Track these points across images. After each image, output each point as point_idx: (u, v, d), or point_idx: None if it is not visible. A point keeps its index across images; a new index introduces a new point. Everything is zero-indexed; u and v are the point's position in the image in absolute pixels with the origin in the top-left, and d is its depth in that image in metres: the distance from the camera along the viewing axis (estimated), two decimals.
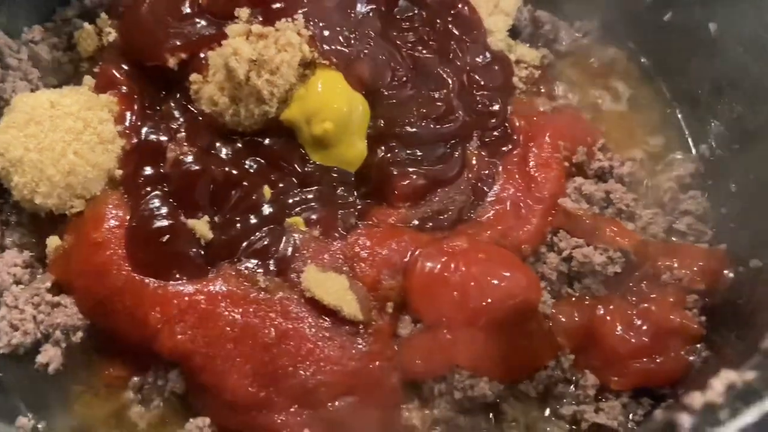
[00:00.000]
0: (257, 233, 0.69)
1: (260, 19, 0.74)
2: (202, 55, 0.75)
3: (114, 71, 0.77)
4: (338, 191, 0.73)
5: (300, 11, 0.73)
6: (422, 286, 0.66)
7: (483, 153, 0.76)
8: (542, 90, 0.84)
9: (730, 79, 0.77)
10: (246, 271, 0.66)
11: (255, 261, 0.67)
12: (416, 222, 0.72)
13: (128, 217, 0.69)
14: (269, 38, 0.72)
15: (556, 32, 0.91)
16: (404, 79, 0.76)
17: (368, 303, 0.66)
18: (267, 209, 0.70)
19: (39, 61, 0.81)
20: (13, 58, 0.78)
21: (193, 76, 0.74)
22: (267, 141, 0.74)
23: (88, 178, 0.70)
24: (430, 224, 0.72)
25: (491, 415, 0.65)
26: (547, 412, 0.66)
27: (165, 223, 0.69)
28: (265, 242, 0.68)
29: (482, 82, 0.79)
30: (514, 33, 0.88)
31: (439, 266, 0.66)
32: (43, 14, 0.85)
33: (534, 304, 0.65)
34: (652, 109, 0.89)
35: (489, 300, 0.63)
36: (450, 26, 0.81)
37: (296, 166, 0.73)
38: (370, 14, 0.77)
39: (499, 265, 0.66)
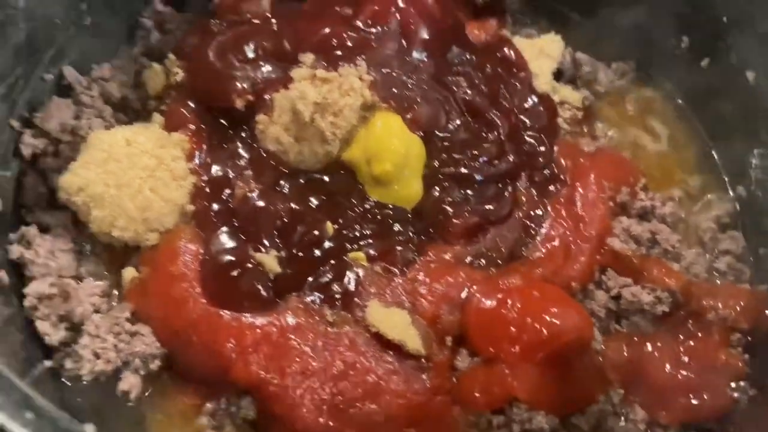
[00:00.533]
0: (322, 268, 0.73)
1: (324, 64, 0.78)
2: (267, 97, 0.79)
3: (183, 111, 0.81)
4: (395, 227, 0.77)
5: (361, 58, 0.78)
6: (479, 322, 0.69)
7: (532, 192, 0.80)
8: (585, 130, 0.89)
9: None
10: (313, 305, 0.70)
11: (320, 295, 0.71)
12: (470, 258, 0.76)
13: (201, 251, 0.73)
14: (333, 83, 0.76)
15: (595, 73, 0.96)
16: (457, 122, 0.80)
17: (429, 337, 0.69)
18: (330, 244, 0.74)
19: (109, 98, 0.85)
20: (86, 95, 0.83)
21: (260, 117, 0.78)
22: (328, 179, 0.78)
23: (162, 213, 0.74)
24: (483, 261, 0.76)
25: None
26: None
27: (234, 257, 0.73)
28: (330, 276, 0.72)
29: (529, 124, 0.84)
30: (556, 75, 0.92)
31: (495, 303, 0.70)
32: (110, 52, 0.90)
33: (587, 340, 0.69)
34: (689, 148, 0.93)
35: (544, 336, 0.67)
36: (498, 70, 0.86)
37: (356, 203, 0.77)
38: (425, 60, 0.82)
39: (552, 303, 0.69)
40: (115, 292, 0.76)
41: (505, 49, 0.88)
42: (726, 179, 0.89)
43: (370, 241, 0.76)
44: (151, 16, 0.92)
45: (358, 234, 0.76)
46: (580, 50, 0.96)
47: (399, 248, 0.76)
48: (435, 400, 0.67)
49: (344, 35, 0.80)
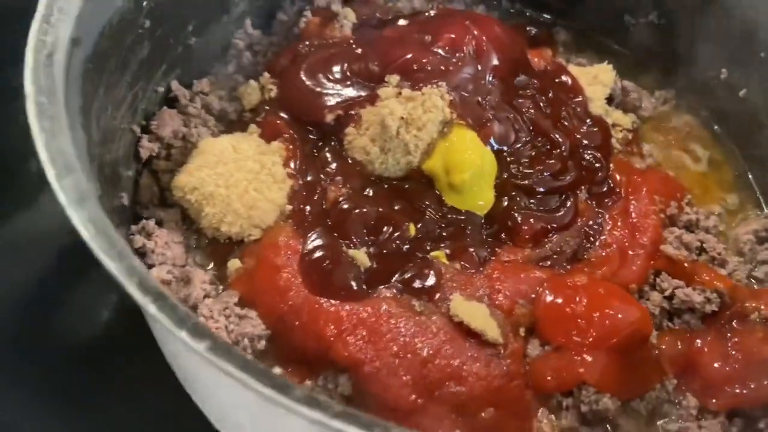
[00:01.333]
0: (407, 264, 0.82)
1: (408, 84, 0.88)
2: (352, 112, 0.89)
3: (278, 122, 0.91)
4: (468, 230, 0.86)
5: (443, 80, 0.87)
6: (550, 315, 0.78)
7: (591, 203, 0.89)
8: (635, 150, 0.98)
9: None
10: (401, 296, 0.79)
11: (407, 288, 0.80)
12: (537, 260, 0.85)
13: (299, 246, 0.82)
14: (417, 100, 0.86)
15: (640, 100, 1.05)
16: (525, 139, 0.89)
17: (505, 328, 0.78)
18: (413, 244, 0.83)
19: (210, 110, 0.95)
20: (192, 107, 0.93)
21: (349, 130, 0.88)
22: (409, 186, 0.88)
23: (265, 211, 0.83)
24: (549, 263, 0.85)
25: (609, 427, 0.77)
26: (656, 427, 0.78)
27: (328, 252, 0.82)
28: (414, 272, 0.81)
29: (587, 143, 0.93)
30: (607, 100, 1.02)
31: (564, 298, 0.78)
32: (207, 69, 1.00)
33: (647, 334, 0.77)
34: (726, 169, 1.02)
35: (610, 328, 0.75)
36: (558, 94, 0.96)
37: (434, 208, 0.86)
38: (496, 83, 0.91)
39: (616, 299, 0.78)
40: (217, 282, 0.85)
41: (563, 76, 0.98)
42: (761, 198, 0.98)
43: (448, 242, 0.85)
44: (243, 38, 1.02)
45: (437, 236, 0.85)
46: (627, 78, 1.06)
47: (472, 249, 0.84)
48: (512, 384, 0.75)
49: (425, 60, 0.90)
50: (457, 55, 0.90)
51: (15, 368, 0.92)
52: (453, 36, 0.92)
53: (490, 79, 0.91)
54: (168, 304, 0.46)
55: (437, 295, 0.79)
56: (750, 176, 1.01)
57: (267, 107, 0.93)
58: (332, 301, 0.77)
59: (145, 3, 0.80)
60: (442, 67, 0.89)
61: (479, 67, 0.90)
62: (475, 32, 0.92)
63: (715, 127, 1.06)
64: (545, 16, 1.17)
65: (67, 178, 0.51)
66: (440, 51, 0.91)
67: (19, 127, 1.14)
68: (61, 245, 1.03)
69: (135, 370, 0.92)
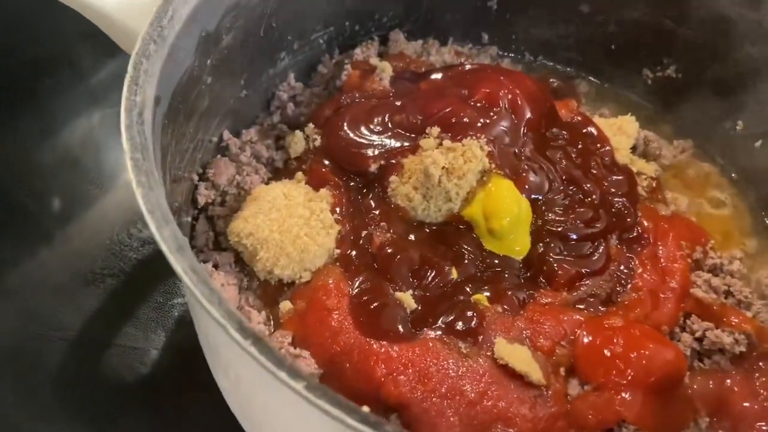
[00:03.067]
0: (450, 306, 0.86)
1: (449, 135, 0.94)
2: (394, 161, 0.95)
3: (324, 170, 0.96)
4: (507, 274, 0.91)
5: (482, 132, 0.93)
6: (589, 356, 0.82)
7: (622, 249, 0.94)
8: (659, 197, 1.04)
9: None
10: (447, 339, 0.83)
11: (451, 330, 0.84)
12: (573, 303, 0.89)
13: (348, 289, 0.86)
14: (457, 151, 0.91)
15: (660, 149, 1.12)
16: (558, 188, 0.95)
17: (547, 369, 0.82)
18: (455, 287, 0.88)
19: (259, 158, 1.01)
20: (243, 155, 0.98)
21: (393, 178, 0.93)
22: (450, 231, 0.93)
23: (315, 255, 0.88)
24: (584, 306, 0.89)
25: None
26: None
27: (376, 294, 0.86)
28: (457, 314, 0.85)
29: (614, 191, 0.99)
30: (632, 150, 1.08)
31: (601, 340, 0.83)
32: (253, 119, 1.06)
33: (682, 373, 0.81)
34: (745, 215, 1.07)
35: (646, 368, 0.79)
36: (587, 145, 1.02)
37: (474, 252, 0.91)
38: (530, 135, 0.97)
39: (651, 341, 0.82)
40: (269, 322, 0.89)
41: (590, 127, 1.05)
42: None
43: (488, 285, 0.89)
44: (287, 90, 1.09)
45: (478, 279, 0.89)
46: (648, 129, 1.13)
47: (511, 292, 0.89)
48: (557, 424, 0.78)
49: (463, 113, 0.96)
50: (494, 109, 0.96)
51: (65, 411, 0.95)
52: (488, 91, 0.98)
53: (525, 131, 0.97)
54: (266, 346, 0.50)
55: (481, 338, 0.83)
56: (767, 222, 1.06)
57: (312, 156, 0.99)
58: (382, 342, 0.81)
59: (209, 61, 0.86)
60: (480, 120, 0.95)
61: (514, 120, 0.96)
62: (510, 87, 0.99)
63: (732, 174, 1.11)
64: (567, 68, 1.24)
65: (166, 229, 0.56)
66: (477, 105, 0.97)
67: (56, 159, 1.21)
68: (107, 286, 1.07)
69: (183, 410, 0.95)
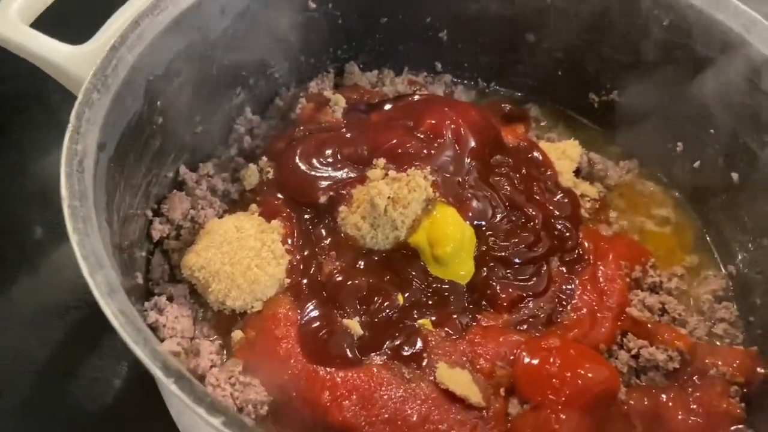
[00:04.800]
0: (396, 332, 0.89)
1: (394, 166, 0.98)
2: (344, 192, 0.98)
3: (276, 203, 1.00)
4: (451, 299, 0.94)
5: (426, 162, 0.97)
6: (527, 375, 0.86)
7: (562, 270, 0.98)
8: (602, 218, 1.08)
9: (752, 218, 1.00)
10: (391, 364, 0.86)
11: (396, 355, 0.87)
12: (515, 324, 0.93)
13: (297, 317, 0.90)
14: (402, 181, 0.95)
15: (605, 170, 1.16)
16: (501, 214, 0.99)
17: (487, 391, 0.85)
18: (401, 312, 0.92)
19: (215, 191, 1.04)
20: (198, 189, 1.02)
21: (342, 208, 0.96)
22: (397, 258, 0.96)
23: (266, 286, 0.91)
24: (526, 326, 0.93)
25: None
26: None
27: (324, 321, 0.90)
28: (403, 339, 0.89)
29: (558, 214, 1.03)
30: (575, 172, 1.12)
31: (539, 360, 0.86)
32: (210, 152, 1.10)
33: (615, 391, 0.85)
34: (687, 232, 1.11)
35: (581, 387, 0.83)
36: (531, 170, 1.06)
37: (420, 278, 0.95)
38: (474, 164, 1.01)
39: (586, 360, 0.86)
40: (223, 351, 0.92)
41: (535, 152, 1.09)
42: (718, 259, 1.07)
43: (433, 310, 0.93)
44: (243, 124, 1.12)
45: (423, 304, 0.93)
46: (593, 150, 1.17)
47: (455, 316, 0.92)
48: None
49: (408, 144, 1.00)
50: (438, 140, 1.01)
51: None
52: (434, 122, 1.02)
53: (468, 160, 1.01)
54: (188, 383, 0.54)
55: (424, 362, 0.87)
56: (708, 238, 1.10)
57: (265, 188, 1.03)
58: (328, 369, 0.84)
59: (159, 103, 0.90)
60: (425, 151, 0.99)
61: (458, 150, 1.00)
62: (454, 118, 1.03)
63: (675, 193, 1.15)
64: (518, 93, 1.29)
65: (99, 274, 0.59)
66: (422, 136, 1.01)
67: (24, 195, 1.24)
68: (71, 318, 1.10)
69: None
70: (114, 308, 0.57)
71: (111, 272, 0.60)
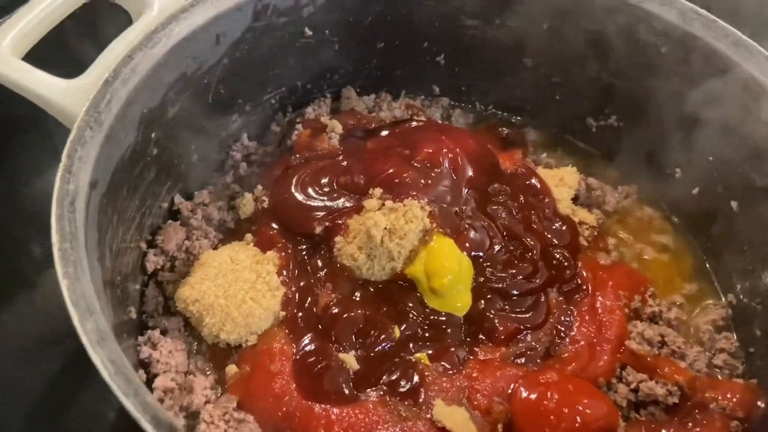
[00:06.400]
0: (392, 367, 0.88)
1: (391, 196, 0.97)
2: (340, 222, 0.98)
3: (271, 233, 0.99)
4: (449, 331, 0.93)
5: (423, 192, 0.97)
6: (525, 411, 0.85)
7: (561, 301, 0.97)
8: (600, 245, 1.07)
9: (750, 245, 0.99)
10: (388, 399, 0.85)
11: (392, 390, 0.86)
12: (513, 357, 0.92)
13: (293, 351, 0.89)
14: (399, 211, 0.94)
15: (604, 195, 1.15)
16: (499, 245, 0.98)
17: (484, 428, 0.84)
18: (398, 346, 0.91)
19: (210, 221, 1.03)
20: (194, 219, 1.01)
21: (338, 239, 0.96)
22: (393, 289, 0.95)
23: (261, 319, 0.90)
24: (523, 360, 0.92)
25: None
26: None
27: (319, 356, 0.89)
28: (399, 374, 0.88)
29: (556, 243, 1.02)
30: (573, 199, 1.12)
31: (537, 395, 0.85)
32: (206, 180, 1.10)
33: (614, 426, 0.84)
34: (687, 259, 1.10)
35: (579, 423, 0.82)
36: (529, 199, 1.05)
37: (417, 310, 0.94)
38: (471, 193, 1.00)
39: (584, 395, 0.85)
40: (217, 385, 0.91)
41: (533, 179, 1.08)
42: (718, 287, 1.06)
43: (430, 343, 0.92)
44: (240, 150, 1.12)
45: (420, 337, 0.92)
46: (591, 175, 1.16)
47: (453, 349, 0.91)
48: None
49: (405, 174, 0.99)
50: (435, 169, 1.00)
51: None
52: (430, 150, 1.02)
53: (466, 190, 1.00)
54: None
55: (421, 398, 0.86)
56: (707, 266, 1.09)
57: (261, 217, 1.02)
58: (323, 406, 0.84)
59: (153, 135, 0.89)
60: (422, 181, 0.98)
61: (455, 179, 1.00)
62: (451, 146, 1.02)
63: (675, 219, 1.14)
64: (516, 117, 1.28)
65: (89, 321, 0.59)
66: (419, 165, 1.01)
67: (22, 213, 1.23)
68: (66, 347, 1.09)
69: None
70: (103, 357, 0.56)
71: (101, 318, 0.59)
